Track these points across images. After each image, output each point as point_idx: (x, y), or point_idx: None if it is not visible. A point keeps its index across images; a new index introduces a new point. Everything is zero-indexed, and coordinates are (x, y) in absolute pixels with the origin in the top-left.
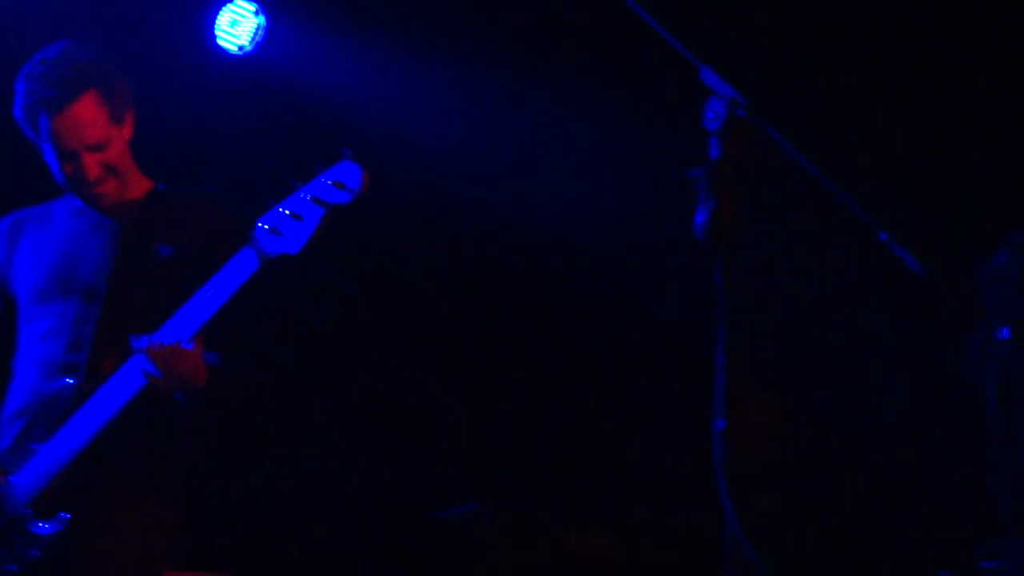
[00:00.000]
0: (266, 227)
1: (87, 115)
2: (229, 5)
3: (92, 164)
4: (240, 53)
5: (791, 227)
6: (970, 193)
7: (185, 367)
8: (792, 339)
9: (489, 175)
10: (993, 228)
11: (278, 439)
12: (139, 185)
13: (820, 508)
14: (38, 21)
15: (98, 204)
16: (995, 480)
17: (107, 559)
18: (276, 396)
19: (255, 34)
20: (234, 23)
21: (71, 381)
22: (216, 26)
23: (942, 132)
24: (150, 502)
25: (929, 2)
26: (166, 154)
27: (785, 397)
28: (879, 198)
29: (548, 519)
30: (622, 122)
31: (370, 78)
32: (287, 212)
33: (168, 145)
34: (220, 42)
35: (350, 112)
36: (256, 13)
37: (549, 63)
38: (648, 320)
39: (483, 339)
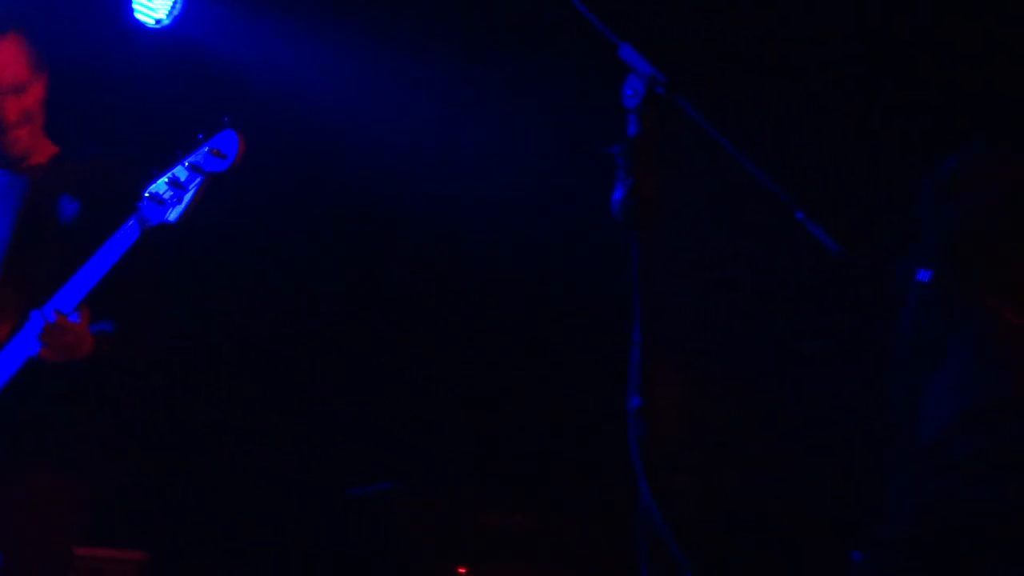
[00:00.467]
0: (148, 196)
1: (9, 55)
2: None
3: (10, 107)
4: (157, 26)
5: (708, 205)
6: (883, 169)
7: (69, 339)
8: (708, 318)
9: (406, 153)
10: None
11: (192, 416)
12: (46, 148)
13: (736, 486)
14: None
15: (10, 151)
16: (890, 435)
17: (16, 535)
18: (190, 373)
19: (172, 8)
20: None
21: None
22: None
23: (858, 111)
24: (60, 477)
25: None
26: (77, 124)
27: (702, 376)
28: (797, 177)
29: (467, 497)
30: (539, 98)
31: (288, 53)
32: (167, 180)
33: (80, 115)
34: (137, 15)
35: (267, 86)
36: None
37: (467, 41)
38: (566, 297)
39: (400, 316)
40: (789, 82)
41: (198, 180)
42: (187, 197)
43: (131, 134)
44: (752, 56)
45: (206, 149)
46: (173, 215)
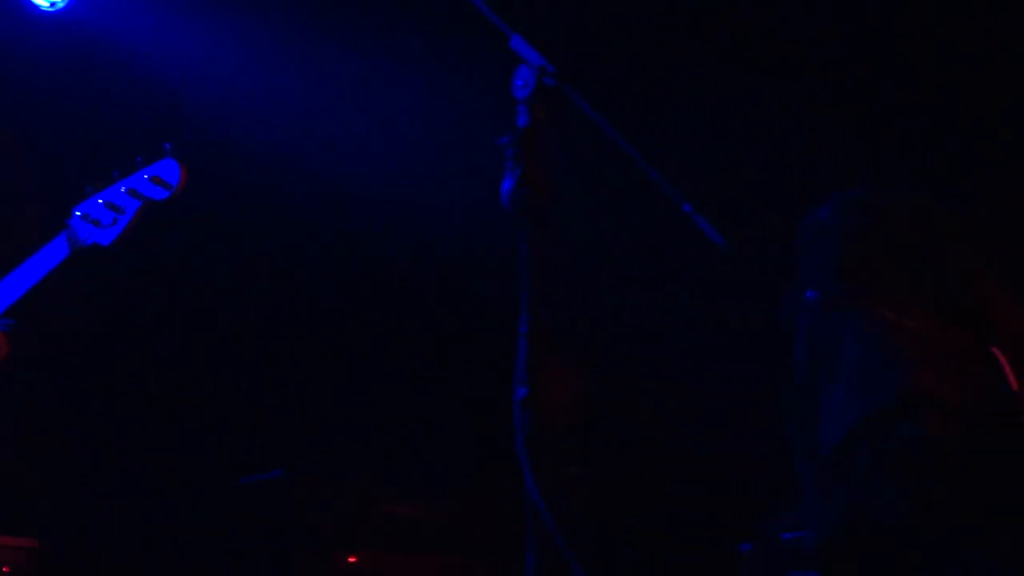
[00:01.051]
0: (81, 215)
1: None
2: None
3: None
4: (51, 9)
5: (597, 195)
6: (774, 164)
7: None
8: (598, 308)
9: (300, 144)
10: (795, 200)
11: (83, 405)
12: None
13: (626, 477)
14: None
15: None
16: (796, 450)
17: None
18: (83, 366)
19: None
20: None
21: None
22: None
23: (748, 106)
24: None
25: None
26: None
27: (591, 367)
28: (685, 169)
29: (357, 485)
30: (430, 89)
31: (187, 40)
32: (103, 202)
33: None
34: None
35: (165, 75)
36: None
37: (362, 31)
38: (456, 287)
39: (290, 304)
40: (681, 74)
41: (136, 205)
42: (123, 221)
43: (24, 124)
44: (643, 47)
45: (145, 176)
46: (107, 238)
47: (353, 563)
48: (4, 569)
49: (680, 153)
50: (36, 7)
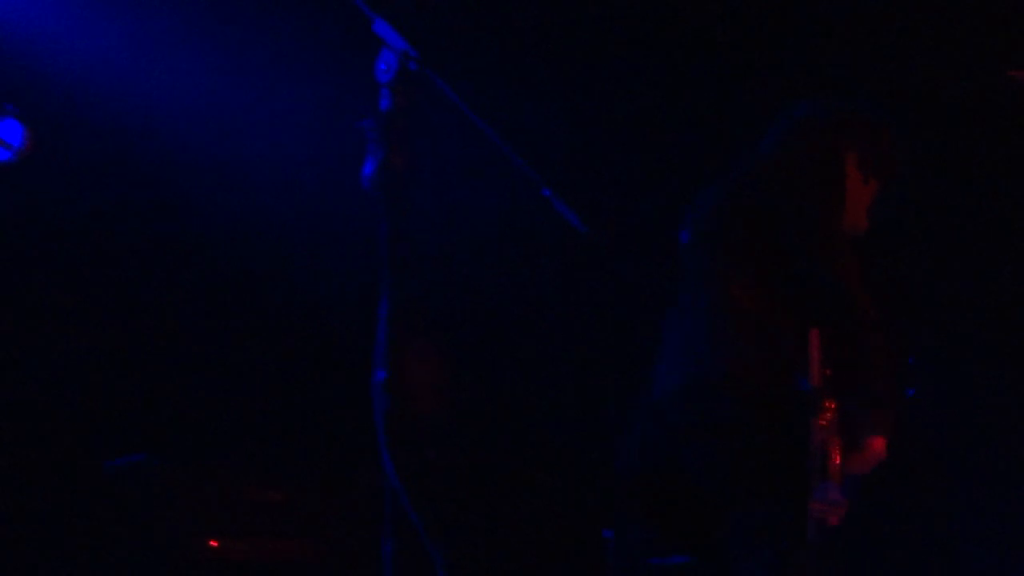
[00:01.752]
0: None
1: None
2: None
3: None
4: None
5: (460, 180)
6: (637, 152)
7: None
8: (460, 292)
9: (155, 125)
10: (658, 184)
11: None
12: None
13: (487, 463)
14: None
15: None
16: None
17: None
18: None
19: None
20: None
21: None
22: None
23: (611, 93)
24: None
25: None
26: None
27: (452, 351)
28: (547, 154)
29: (220, 470)
30: (293, 72)
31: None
32: None
33: None
34: None
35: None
36: None
37: (228, 8)
38: (318, 270)
39: (153, 287)
40: (545, 60)
41: None
42: None
43: None
44: (506, 32)
45: None
46: None
47: (215, 548)
48: None
49: (543, 139)
50: None
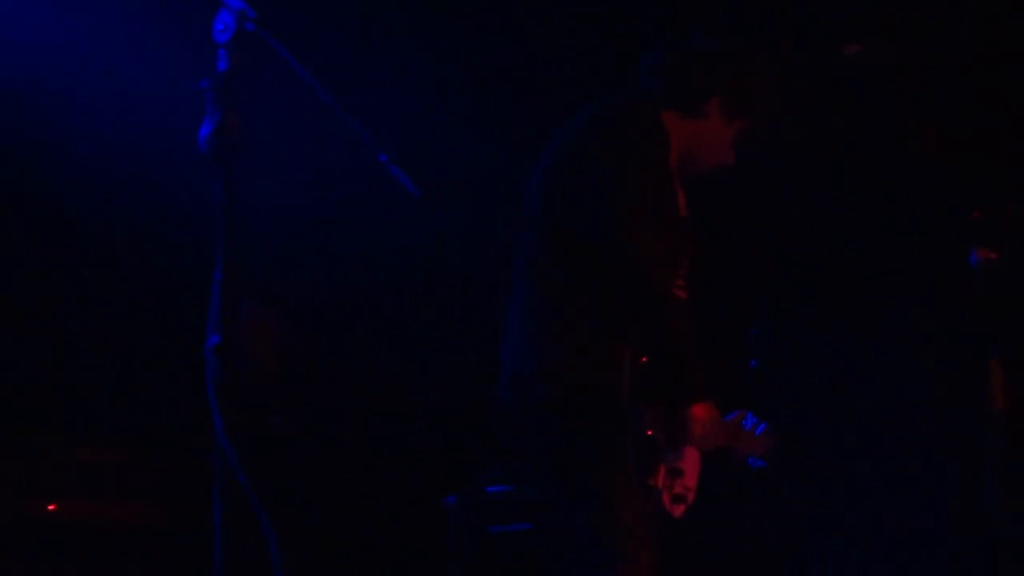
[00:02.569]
0: None
1: None
2: None
3: None
4: None
5: (301, 143)
6: (474, 119)
7: None
8: (300, 258)
9: None
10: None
11: None
12: None
13: (331, 430)
14: None
15: None
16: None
17: None
18: None
19: None
20: None
21: None
22: None
23: (449, 59)
24: None
25: None
26: None
27: (292, 317)
28: (384, 119)
29: (61, 432)
30: (130, 32)
31: None
32: None
33: None
34: None
35: None
36: None
37: None
38: (151, 233)
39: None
40: (389, 24)
41: None
42: None
43: None
44: None
45: None
46: None
47: (52, 511)
48: None
49: (381, 104)
50: None
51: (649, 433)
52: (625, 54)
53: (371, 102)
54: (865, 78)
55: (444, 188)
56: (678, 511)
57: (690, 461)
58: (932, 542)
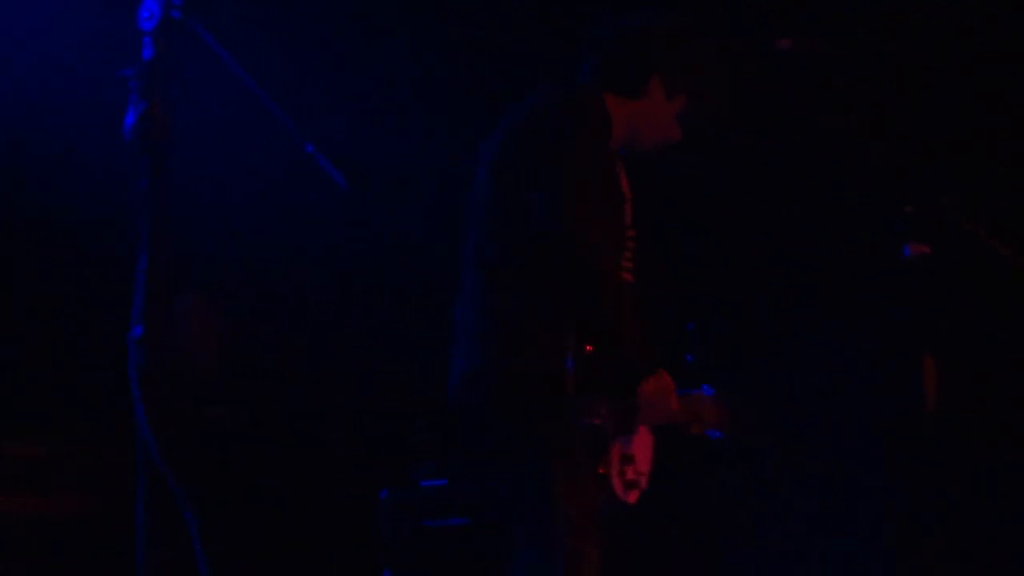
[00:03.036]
0: None
1: None
2: None
3: None
4: None
5: (224, 132)
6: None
7: None
8: (229, 247)
9: None
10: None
11: None
12: None
13: (265, 423)
14: None
15: None
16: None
17: None
18: None
19: None
20: None
21: None
22: None
23: (383, 51)
24: None
25: None
26: None
27: (221, 307)
28: (308, 110)
29: None
30: (54, 17)
31: None
32: None
33: None
34: None
35: None
36: None
37: None
38: (75, 223)
39: None
40: (319, 13)
41: None
42: None
43: None
44: None
45: None
46: None
47: None
48: None
49: (309, 93)
50: None
51: (597, 422)
52: (563, 40)
53: (305, 91)
54: (797, 71)
55: (377, 180)
56: (631, 497)
57: (642, 446)
58: (867, 536)
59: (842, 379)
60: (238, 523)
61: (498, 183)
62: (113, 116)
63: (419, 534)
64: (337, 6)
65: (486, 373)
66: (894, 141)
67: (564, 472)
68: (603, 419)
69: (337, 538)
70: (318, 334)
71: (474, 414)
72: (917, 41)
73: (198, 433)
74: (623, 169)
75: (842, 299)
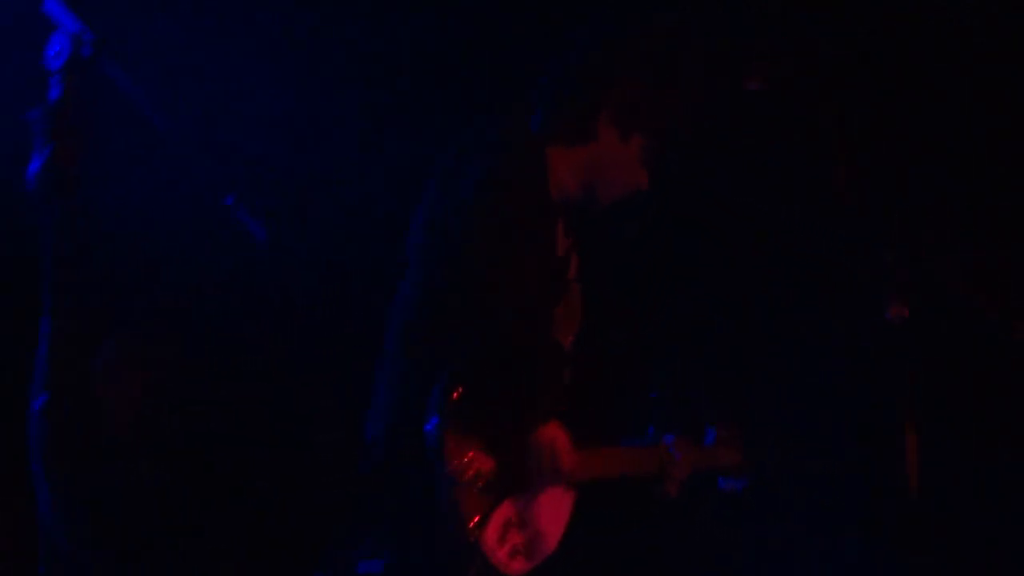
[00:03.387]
0: None
1: None
2: None
3: None
4: None
5: (136, 179)
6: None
7: None
8: (144, 299)
9: None
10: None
11: None
12: None
13: (193, 482)
14: None
15: None
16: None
17: None
18: None
19: None
20: None
21: None
22: None
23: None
24: None
25: None
26: None
27: (143, 364)
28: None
29: None
30: None
31: None
32: None
33: None
34: None
35: None
36: None
37: None
38: None
39: None
40: (243, 56)
41: None
42: None
43: None
44: (195, 19)
45: None
46: None
47: None
48: None
49: (231, 141)
50: None
51: (469, 475)
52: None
53: (227, 132)
54: (769, 112)
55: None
56: (515, 567)
57: (547, 505)
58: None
59: (822, 452)
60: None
61: (418, 243)
62: (15, 163)
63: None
64: (262, 42)
65: (381, 441)
66: (873, 190)
67: (441, 542)
68: (476, 473)
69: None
70: (256, 381)
71: (371, 484)
72: (907, 82)
73: (119, 499)
74: (565, 223)
75: (819, 365)
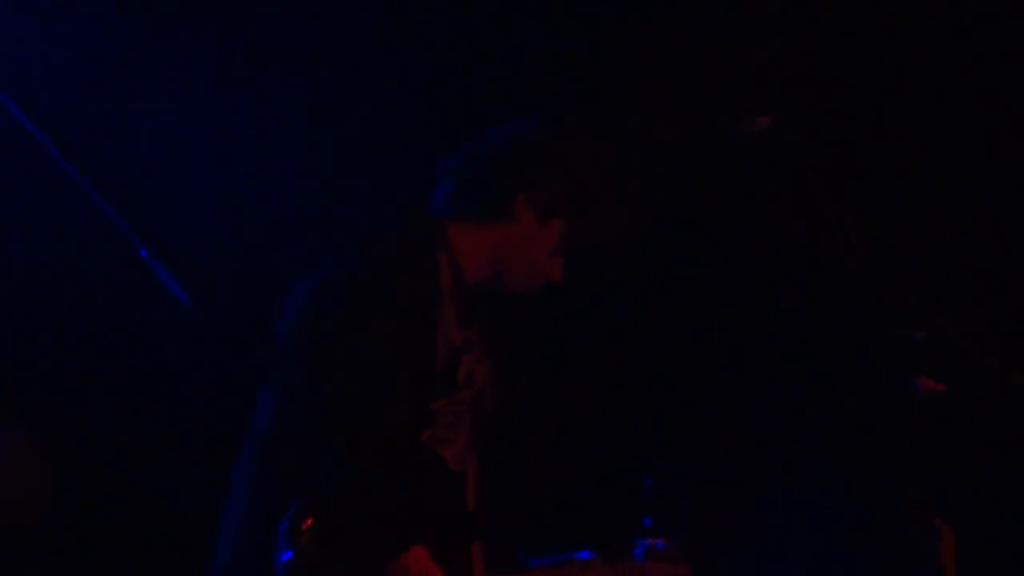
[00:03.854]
0: None
1: None
2: None
3: None
4: None
5: (45, 233)
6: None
7: None
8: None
9: None
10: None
11: None
12: None
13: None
14: None
15: None
16: None
17: None
18: None
19: None
20: None
21: None
22: None
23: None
24: None
25: None
26: None
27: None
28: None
29: None
30: None
31: None
32: None
33: None
34: None
35: None
36: None
37: None
38: None
39: None
40: (166, 88)
41: None
42: None
43: None
44: (115, 48)
45: None
46: None
47: None
48: None
49: (143, 188)
50: None
51: None
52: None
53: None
54: (768, 160)
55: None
56: None
57: None
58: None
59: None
60: None
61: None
62: None
63: None
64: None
65: None
66: (895, 252)
67: None
68: None
69: None
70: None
71: None
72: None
73: None
74: (466, 309)
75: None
